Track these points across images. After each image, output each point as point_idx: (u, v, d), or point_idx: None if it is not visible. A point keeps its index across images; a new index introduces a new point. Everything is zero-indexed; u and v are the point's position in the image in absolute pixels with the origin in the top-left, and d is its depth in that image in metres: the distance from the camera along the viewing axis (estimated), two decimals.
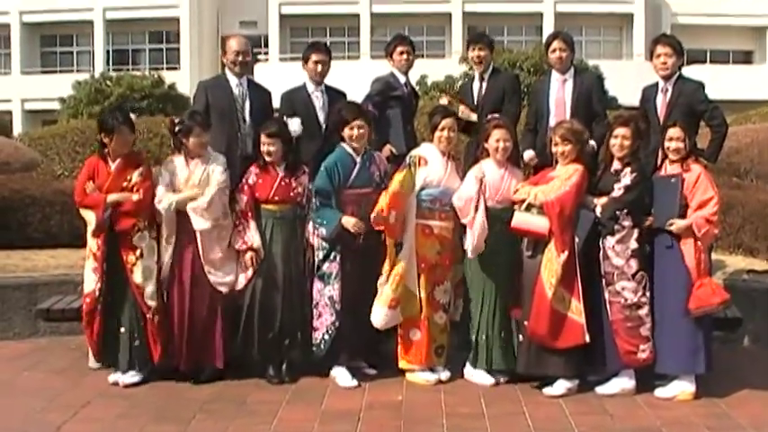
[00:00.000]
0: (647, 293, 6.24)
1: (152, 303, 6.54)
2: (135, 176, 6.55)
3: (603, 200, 6.27)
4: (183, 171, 6.69)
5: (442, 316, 6.73)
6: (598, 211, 6.25)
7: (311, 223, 6.71)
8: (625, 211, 6.23)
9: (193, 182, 6.63)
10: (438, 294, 6.71)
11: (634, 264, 6.22)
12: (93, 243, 6.55)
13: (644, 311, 6.22)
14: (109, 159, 6.62)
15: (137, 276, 6.49)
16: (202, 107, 7.23)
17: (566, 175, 6.33)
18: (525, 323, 6.39)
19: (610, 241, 6.25)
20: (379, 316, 6.54)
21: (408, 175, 6.61)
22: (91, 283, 6.56)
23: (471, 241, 6.47)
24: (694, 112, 6.99)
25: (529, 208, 6.32)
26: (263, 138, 6.73)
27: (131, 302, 6.55)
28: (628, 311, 6.20)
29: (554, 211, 6.19)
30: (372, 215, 6.47)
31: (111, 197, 6.44)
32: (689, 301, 6.11)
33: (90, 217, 6.51)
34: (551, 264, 6.22)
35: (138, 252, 6.50)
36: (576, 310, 6.20)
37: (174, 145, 6.83)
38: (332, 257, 6.64)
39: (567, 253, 6.18)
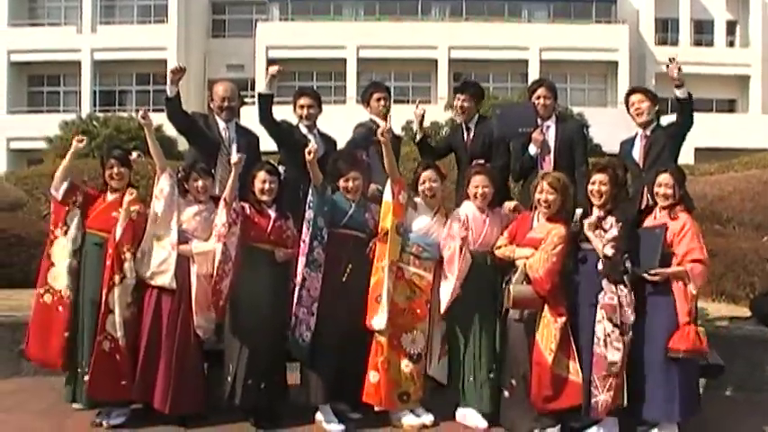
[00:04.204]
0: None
1: (113, 332, 6.34)
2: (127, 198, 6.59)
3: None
4: (185, 212, 6.66)
5: (408, 364, 6.62)
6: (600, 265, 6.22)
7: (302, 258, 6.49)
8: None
9: (194, 224, 6.62)
10: (405, 342, 6.61)
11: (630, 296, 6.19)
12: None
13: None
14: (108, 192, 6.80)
15: (111, 299, 6.34)
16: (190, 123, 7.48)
17: (550, 244, 6.27)
18: (512, 382, 6.43)
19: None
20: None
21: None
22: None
23: (449, 287, 6.51)
24: (671, 139, 7.20)
25: (521, 279, 6.31)
26: (263, 175, 6.68)
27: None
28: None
29: (546, 287, 6.20)
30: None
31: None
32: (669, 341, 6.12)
33: None
34: (548, 329, 6.21)
35: (118, 278, 6.37)
36: (574, 371, 6.20)
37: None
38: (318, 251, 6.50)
39: (563, 317, 6.21)
